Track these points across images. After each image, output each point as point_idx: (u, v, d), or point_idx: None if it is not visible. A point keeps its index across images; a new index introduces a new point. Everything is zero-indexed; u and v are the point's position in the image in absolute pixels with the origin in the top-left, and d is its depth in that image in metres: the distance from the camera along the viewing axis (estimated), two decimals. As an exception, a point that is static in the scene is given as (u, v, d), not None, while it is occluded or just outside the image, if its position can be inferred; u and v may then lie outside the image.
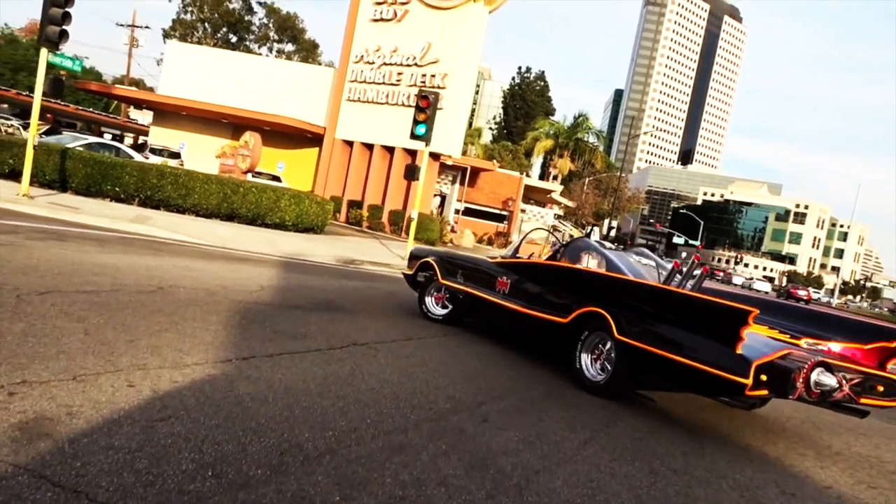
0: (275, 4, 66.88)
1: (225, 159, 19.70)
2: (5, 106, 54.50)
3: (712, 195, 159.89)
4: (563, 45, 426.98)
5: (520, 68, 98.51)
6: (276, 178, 26.25)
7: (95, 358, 4.25)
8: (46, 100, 54.77)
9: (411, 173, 16.89)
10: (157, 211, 15.77)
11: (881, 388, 5.33)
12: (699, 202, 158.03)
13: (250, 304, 7.11)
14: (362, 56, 28.29)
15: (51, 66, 13.47)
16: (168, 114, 32.72)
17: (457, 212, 35.73)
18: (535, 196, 46.54)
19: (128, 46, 54.04)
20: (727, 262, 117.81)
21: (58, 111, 50.96)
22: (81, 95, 71.43)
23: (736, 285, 69.57)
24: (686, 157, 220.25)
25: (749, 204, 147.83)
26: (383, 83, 27.82)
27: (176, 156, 28.62)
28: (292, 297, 8.07)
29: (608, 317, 5.82)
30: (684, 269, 6.53)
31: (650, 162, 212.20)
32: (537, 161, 74.57)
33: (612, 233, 63.22)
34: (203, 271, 8.75)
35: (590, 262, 7.07)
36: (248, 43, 67.45)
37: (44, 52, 12.62)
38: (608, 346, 5.91)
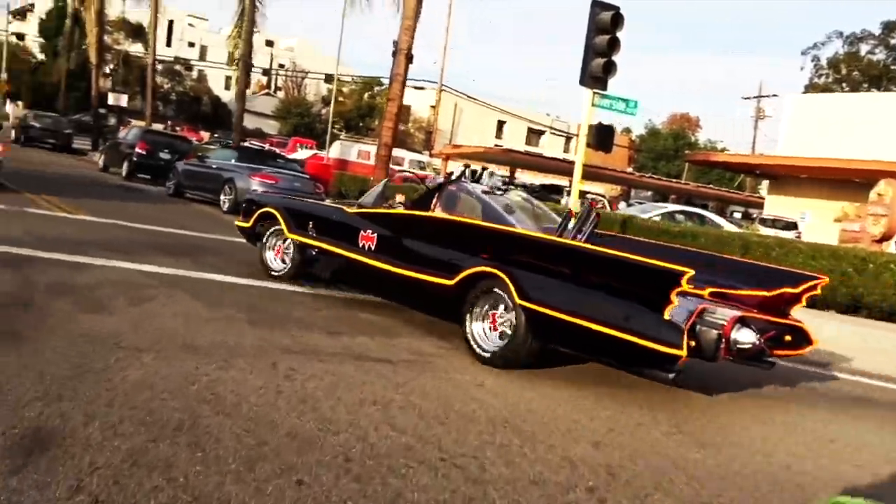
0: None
1: (848, 224, 13.91)
2: (649, 193, 58.62)
3: None
4: None
5: None
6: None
7: None
8: (670, 180, 56.76)
9: None
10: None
11: (789, 338, 5.08)
12: None
13: None
14: None
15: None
16: (786, 179, 28.11)
17: None
18: None
19: (754, 119, 52.18)
20: None
21: (677, 190, 51.86)
22: (715, 175, 72.32)
23: None
24: None
25: None
26: None
27: (792, 227, 23.94)
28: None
29: (505, 278, 4.86)
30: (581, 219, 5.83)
31: None
32: None
33: None
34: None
35: (468, 211, 5.98)
36: (897, 94, 57.05)
37: (588, 94, 10.10)
38: (501, 310, 4.99)
